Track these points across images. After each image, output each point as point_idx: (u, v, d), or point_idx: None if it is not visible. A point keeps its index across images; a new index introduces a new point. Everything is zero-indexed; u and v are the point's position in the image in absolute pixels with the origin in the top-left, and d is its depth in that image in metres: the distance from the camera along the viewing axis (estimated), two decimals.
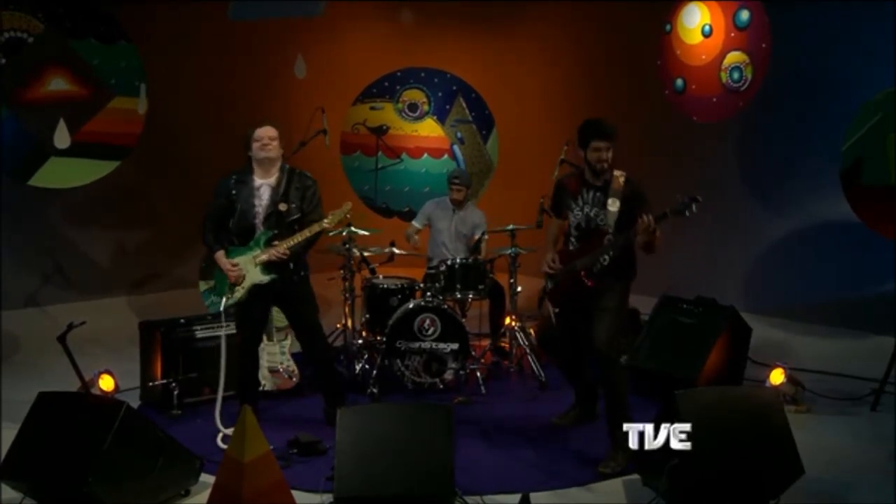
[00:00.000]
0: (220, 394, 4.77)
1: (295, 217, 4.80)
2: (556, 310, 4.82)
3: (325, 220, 4.78)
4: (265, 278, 4.78)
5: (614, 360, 4.62)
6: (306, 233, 4.74)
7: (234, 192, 4.79)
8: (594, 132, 4.56)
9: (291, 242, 4.72)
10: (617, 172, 4.60)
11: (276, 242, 4.74)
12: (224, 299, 4.82)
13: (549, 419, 5.01)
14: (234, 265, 4.77)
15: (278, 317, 5.50)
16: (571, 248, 4.73)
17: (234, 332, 5.52)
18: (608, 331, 4.54)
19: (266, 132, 4.75)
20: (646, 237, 4.37)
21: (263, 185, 4.81)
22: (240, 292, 4.81)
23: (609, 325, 4.55)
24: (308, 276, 5.03)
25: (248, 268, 4.79)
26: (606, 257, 4.55)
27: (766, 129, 6.79)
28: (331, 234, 5.95)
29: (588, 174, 4.66)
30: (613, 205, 4.53)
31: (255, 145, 4.76)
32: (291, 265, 4.84)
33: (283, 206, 4.77)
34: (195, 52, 7.97)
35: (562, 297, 4.75)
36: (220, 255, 4.82)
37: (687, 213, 4.30)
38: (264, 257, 4.74)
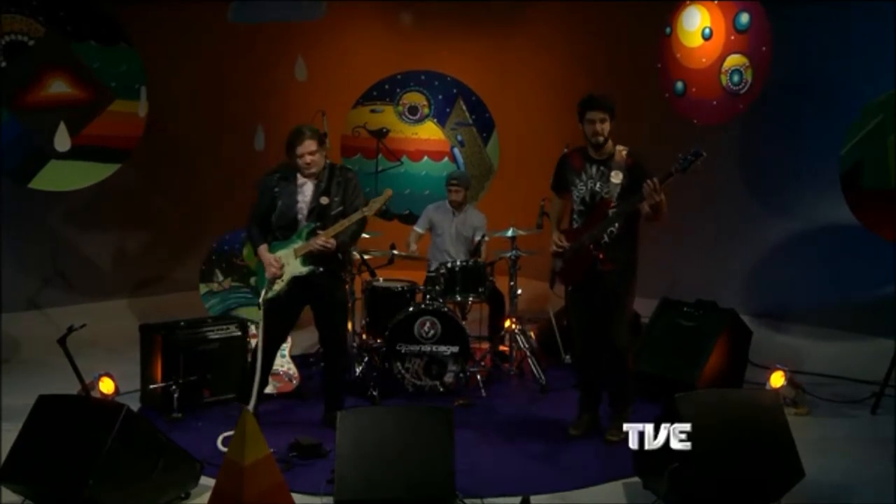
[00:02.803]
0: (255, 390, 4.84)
1: (338, 210, 4.87)
2: (569, 288, 4.86)
3: (365, 208, 4.83)
4: (304, 270, 4.83)
5: (626, 350, 4.82)
6: (346, 222, 4.79)
7: (276, 189, 4.87)
8: (587, 104, 4.63)
9: (333, 232, 4.78)
10: (619, 147, 4.66)
11: (319, 233, 4.78)
12: (263, 292, 4.87)
13: (567, 430, 4.95)
14: (276, 260, 4.82)
15: None
16: (576, 225, 4.76)
17: (233, 334, 5.55)
18: (621, 323, 4.74)
19: (306, 148, 4.79)
20: (652, 200, 4.41)
21: (307, 182, 4.88)
22: (279, 285, 4.88)
23: (620, 317, 4.75)
24: (345, 285, 5.12)
25: (289, 260, 4.84)
26: (613, 229, 4.58)
27: (766, 131, 6.78)
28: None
29: (590, 150, 4.70)
30: (616, 177, 4.60)
31: (299, 162, 4.81)
32: (340, 256, 4.93)
33: (324, 200, 4.85)
34: (196, 55, 7.98)
35: (573, 275, 4.78)
36: (262, 250, 4.89)
37: (691, 168, 4.37)
38: (306, 249, 4.79)
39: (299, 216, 4.86)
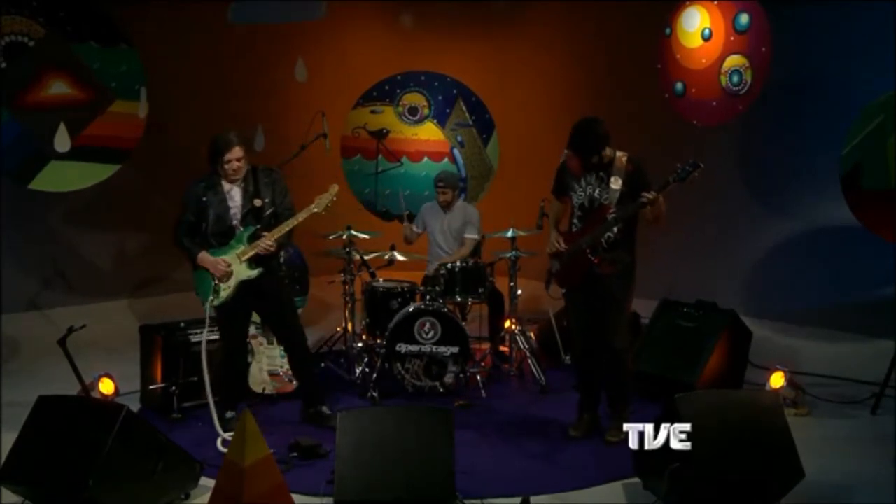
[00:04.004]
0: (211, 398, 4.79)
1: (270, 211, 4.86)
2: (564, 291, 4.87)
3: (313, 206, 4.83)
4: (253, 273, 4.82)
5: (625, 351, 4.81)
6: (293, 221, 4.80)
7: (204, 199, 4.83)
8: (573, 147, 4.63)
9: (279, 233, 4.78)
10: (619, 153, 4.65)
11: (264, 234, 4.77)
12: (210, 299, 4.83)
13: (567, 430, 4.95)
14: (223, 260, 4.80)
15: None
16: (575, 229, 4.76)
17: None
18: (619, 325, 4.73)
19: (234, 155, 4.77)
20: (652, 207, 4.47)
21: (233, 188, 4.86)
22: (227, 291, 4.84)
23: (619, 319, 4.73)
24: (285, 277, 5.13)
25: (234, 265, 4.81)
26: (610, 234, 4.59)
27: (766, 132, 6.78)
28: (325, 235, 5.97)
29: None
30: (616, 182, 4.60)
31: (224, 168, 4.78)
32: (280, 256, 4.94)
33: (258, 202, 4.83)
34: (195, 56, 7.97)
35: (569, 278, 4.79)
36: (203, 256, 4.83)
37: (689, 179, 4.39)
38: (252, 252, 4.77)
39: (233, 221, 4.84)
